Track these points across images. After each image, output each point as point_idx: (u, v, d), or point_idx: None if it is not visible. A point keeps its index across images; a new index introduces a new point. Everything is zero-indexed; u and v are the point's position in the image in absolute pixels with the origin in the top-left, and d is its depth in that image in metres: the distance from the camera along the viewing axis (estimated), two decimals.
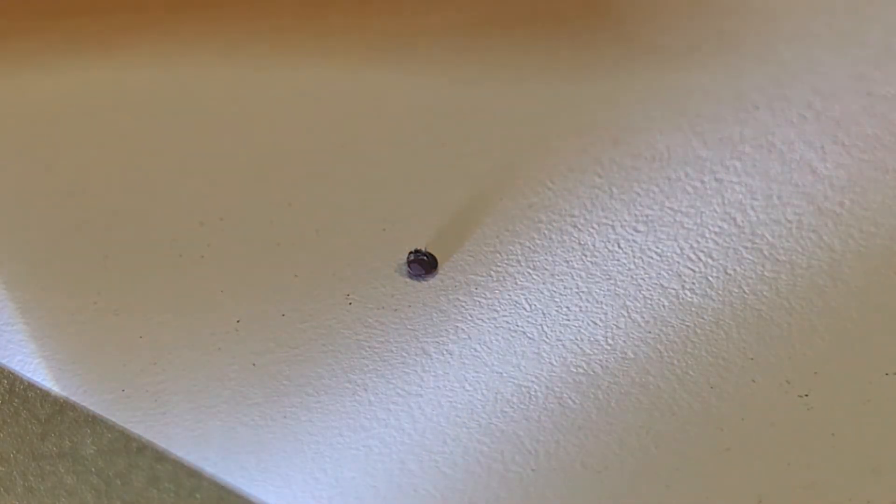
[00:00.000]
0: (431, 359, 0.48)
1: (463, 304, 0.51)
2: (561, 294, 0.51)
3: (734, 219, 0.54)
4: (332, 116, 0.63)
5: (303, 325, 0.50)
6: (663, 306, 0.50)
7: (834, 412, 0.45)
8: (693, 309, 0.50)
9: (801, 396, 0.46)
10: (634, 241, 0.53)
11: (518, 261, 0.53)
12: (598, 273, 0.52)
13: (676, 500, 0.42)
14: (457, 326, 0.50)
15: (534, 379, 0.47)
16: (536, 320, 0.50)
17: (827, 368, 0.47)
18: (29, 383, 0.49)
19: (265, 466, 0.45)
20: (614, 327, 0.49)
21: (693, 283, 0.51)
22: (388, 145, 0.61)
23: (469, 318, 0.50)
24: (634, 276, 0.51)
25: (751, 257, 0.52)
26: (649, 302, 0.50)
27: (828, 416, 0.45)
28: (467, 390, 0.47)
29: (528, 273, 0.52)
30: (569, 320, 0.49)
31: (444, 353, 0.48)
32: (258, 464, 0.45)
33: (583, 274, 0.52)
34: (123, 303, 0.52)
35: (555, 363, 0.47)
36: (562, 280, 0.52)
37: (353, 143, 0.61)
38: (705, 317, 0.49)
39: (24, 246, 0.55)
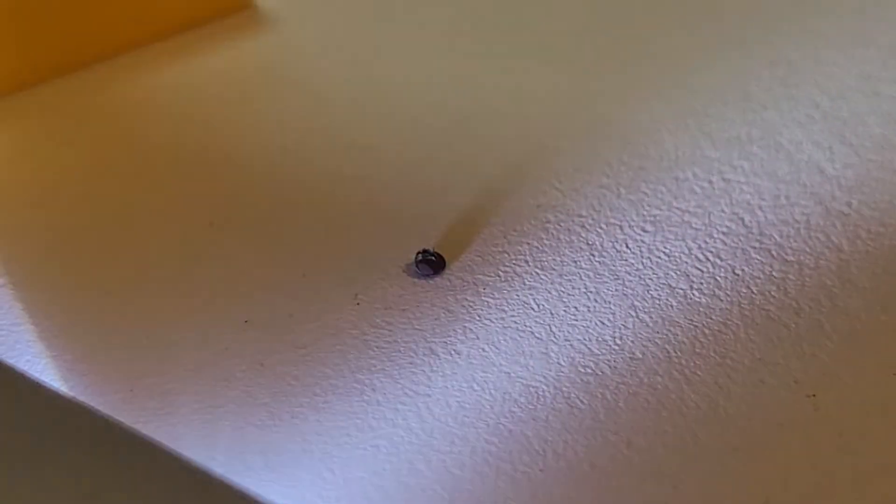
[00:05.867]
0: (439, 359, 0.48)
1: (471, 304, 0.51)
2: (569, 294, 0.51)
3: (742, 219, 0.54)
4: (340, 117, 0.64)
5: (311, 326, 0.51)
6: (671, 306, 0.50)
7: (842, 412, 0.45)
8: (701, 309, 0.50)
9: (808, 397, 0.45)
10: (642, 241, 0.53)
11: (526, 261, 0.53)
12: (606, 273, 0.52)
13: (684, 500, 0.42)
14: (465, 326, 0.50)
15: (542, 379, 0.47)
16: (544, 320, 0.50)
17: (835, 369, 0.47)
18: (37, 383, 0.49)
19: (273, 466, 0.45)
20: (622, 327, 0.49)
21: (701, 284, 0.51)
22: (395, 146, 0.61)
23: (477, 318, 0.50)
24: (642, 277, 0.51)
25: (759, 258, 0.52)
26: (657, 302, 0.50)
27: (835, 417, 0.45)
28: (475, 390, 0.47)
29: (536, 273, 0.52)
30: (577, 320, 0.49)
31: (453, 353, 0.48)
32: (266, 464, 0.45)
33: (591, 274, 0.52)
34: (131, 304, 0.52)
35: (563, 363, 0.47)
36: (570, 280, 0.51)
37: (361, 143, 0.61)
38: (713, 317, 0.49)
39: (31, 248, 0.56)
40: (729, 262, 0.52)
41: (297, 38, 0.77)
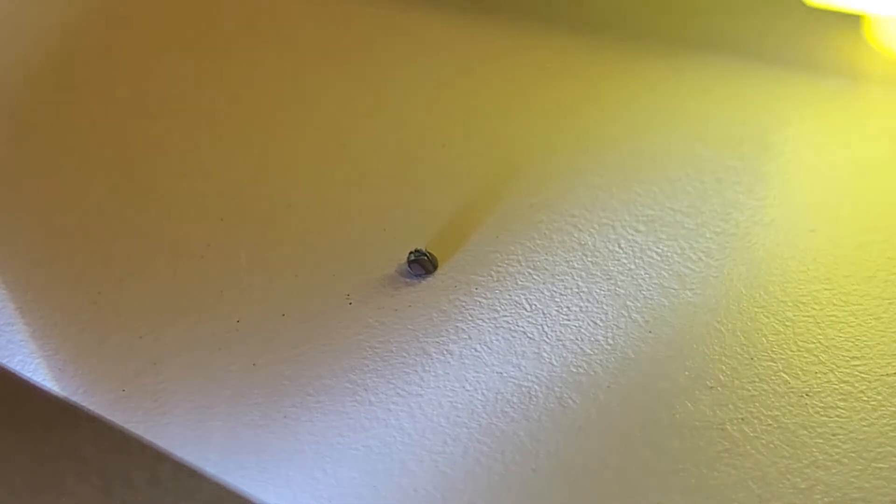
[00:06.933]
0: (431, 359, 0.48)
1: (463, 304, 0.51)
2: (561, 294, 0.51)
3: (734, 219, 0.54)
4: (331, 117, 0.63)
5: (303, 325, 0.50)
6: (663, 306, 0.50)
7: (833, 412, 0.45)
8: (693, 309, 0.50)
9: (801, 396, 0.46)
10: (635, 240, 0.53)
11: (518, 261, 0.53)
12: (599, 273, 0.52)
13: (676, 500, 0.42)
14: (457, 326, 0.50)
15: (534, 379, 0.47)
16: (537, 320, 0.50)
17: (827, 368, 0.47)
18: (29, 383, 0.49)
19: (265, 466, 0.45)
20: (615, 327, 0.49)
21: (693, 283, 0.51)
22: (388, 146, 0.61)
23: (469, 317, 0.50)
24: (635, 276, 0.51)
25: (750, 257, 0.52)
26: (649, 302, 0.50)
27: (827, 417, 0.45)
28: (467, 390, 0.47)
29: (529, 273, 0.52)
30: (569, 320, 0.49)
31: (445, 353, 0.49)
32: (258, 464, 0.45)
33: (583, 274, 0.52)
34: (123, 303, 0.52)
35: (555, 363, 0.47)
36: (562, 280, 0.52)
37: (353, 143, 0.61)
38: (705, 317, 0.49)
39: (24, 246, 0.56)
40: (721, 261, 0.52)
41: None
